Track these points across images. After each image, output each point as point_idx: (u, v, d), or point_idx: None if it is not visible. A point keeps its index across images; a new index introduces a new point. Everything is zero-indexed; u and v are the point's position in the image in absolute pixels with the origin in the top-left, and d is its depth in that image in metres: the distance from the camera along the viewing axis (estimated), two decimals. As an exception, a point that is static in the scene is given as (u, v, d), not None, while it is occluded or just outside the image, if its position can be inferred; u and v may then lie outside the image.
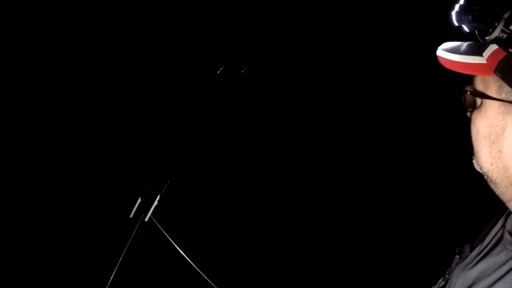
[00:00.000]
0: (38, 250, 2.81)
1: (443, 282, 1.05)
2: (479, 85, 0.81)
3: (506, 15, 0.73)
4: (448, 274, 1.04)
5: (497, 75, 0.75)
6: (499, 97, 0.77)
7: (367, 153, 2.97)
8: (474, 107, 0.83)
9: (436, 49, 0.84)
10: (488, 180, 0.84)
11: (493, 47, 0.75)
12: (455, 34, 0.82)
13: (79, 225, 2.80)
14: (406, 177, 2.91)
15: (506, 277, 0.83)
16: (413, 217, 2.84)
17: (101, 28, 2.85)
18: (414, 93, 2.78)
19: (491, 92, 0.78)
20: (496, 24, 0.73)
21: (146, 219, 2.11)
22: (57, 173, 2.91)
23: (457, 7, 0.79)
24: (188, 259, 2.21)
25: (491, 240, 0.96)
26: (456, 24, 0.80)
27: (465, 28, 0.79)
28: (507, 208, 0.86)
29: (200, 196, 2.90)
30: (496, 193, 0.84)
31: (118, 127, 2.92)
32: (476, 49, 0.78)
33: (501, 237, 0.92)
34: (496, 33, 0.74)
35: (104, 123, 2.93)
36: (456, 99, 0.87)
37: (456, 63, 0.80)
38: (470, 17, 0.76)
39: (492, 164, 0.82)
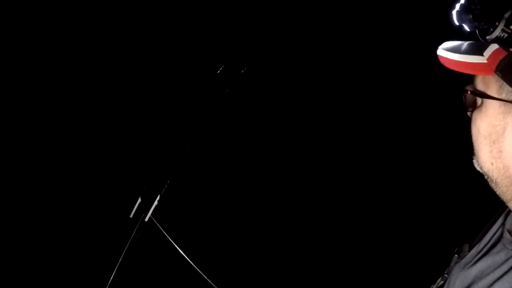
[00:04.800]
0: (38, 250, 2.81)
1: (442, 282, 1.05)
2: (480, 85, 0.81)
3: (507, 15, 0.73)
4: (447, 274, 1.04)
5: (497, 74, 0.75)
6: (499, 97, 0.77)
7: (367, 153, 2.97)
8: (474, 106, 0.83)
9: (436, 48, 0.85)
10: (489, 180, 0.84)
11: (494, 46, 0.75)
12: (456, 34, 0.82)
13: (79, 225, 2.80)
14: (405, 177, 2.91)
15: (506, 277, 0.83)
16: (412, 217, 2.84)
17: (101, 28, 2.85)
18: (414, 93, 2.78)
19: (492, 92, 0.78)
20: (497, 23, 0.73)
21: (146, 219, 2.11)
22: (57, 173, 2.91)
23: (458, 6, 0.79)
24: (188, 259, 2.21)
25: (490, 239, 0.95)
26: (456, 23, 0.80)
27: (466, 28, 0.79)
28: (506, 206, 0.86)
29: (200, 196, 2.89)
30: (497, 193, 0.84)
31: (118, 127, 2.92)
32: (477, 49, 0.78)
33: (501, 236, 0.92)
34: (497, 32, 0.74)
35: (104, 123, 2.93)
36: (456, 99, 0.88)
37: (456, 63, 0.80)
38: (471, 16, 0.77)
39: (492, 164, 0.82)
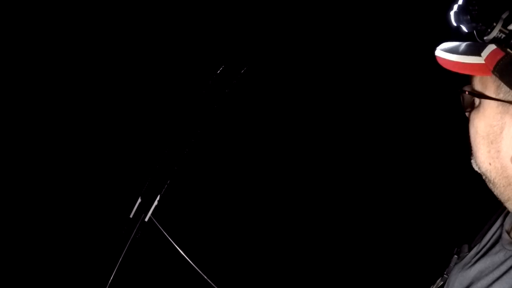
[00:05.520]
0: (38, 250, 2.81)
1: (442, 282, 1.05)
2: (478, 85, 0.81)
3: (504, 15, 0.73)
4: (446, 274, 1.04)
5: (495, 75, 0.75)
6: (497, 97, 0.77)
7: (366, 153, 2.97)
8: (472, 107, 0.83)
9: (434, 49, 0.85)
10: (486, 180, 0.85)
11: (491, 47, 0.76)
12: (454, 34, 0.82)
13: (79, 225, 2.80)
14: (405, 177, 2.91)
15: (504, 277, 0.83)
16: (411, 217, 2.84)
17: (101, 28, 2.85)
18: (413, 93, 2.78)
19: (489, 92, 0.79)
20: (495, 24, 0.74)
21: (146, 219, 2.11)
22: (57, 174, 2.91)
23: (455, 7, 0.79)
24: (188, 259, 2.21)
25: (489, 240, 0.96)
26: (454, 24, 0.80)
27: (464, 28, 0.79)
28: (505, 207, 0.86)
29: (200, 196, 2.90)
30: (494, 193, 0.84)
31: (118, 127, 2.93)
32: (475, 49, 0.78)
33: (499, 237, 0.92)
34: (495, 33, 0.74)
35: (104, 124, 2.94)
36: (454, 99, 0.88)
37: (454, 63, 0.81)
38: (469, 17, 0.77)
39: (490, 164, 0.82)
